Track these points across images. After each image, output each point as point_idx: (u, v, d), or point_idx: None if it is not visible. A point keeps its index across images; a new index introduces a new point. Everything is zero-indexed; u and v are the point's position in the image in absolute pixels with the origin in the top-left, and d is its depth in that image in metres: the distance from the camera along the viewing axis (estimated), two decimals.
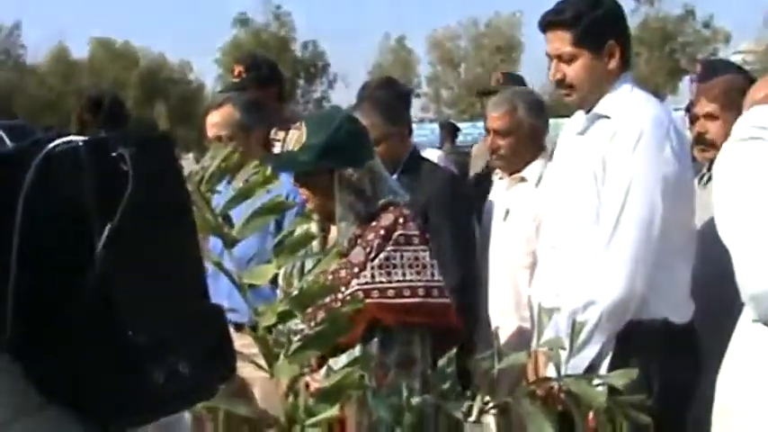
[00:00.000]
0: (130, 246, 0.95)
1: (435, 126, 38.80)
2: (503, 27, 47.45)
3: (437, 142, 19.68)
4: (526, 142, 4.52)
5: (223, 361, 1.05)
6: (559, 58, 3.63)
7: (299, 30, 50.00)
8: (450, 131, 14.67)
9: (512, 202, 4.52)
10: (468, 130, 36.87)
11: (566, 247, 3.66)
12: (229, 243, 2.38)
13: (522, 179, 4.52)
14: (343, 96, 52.15)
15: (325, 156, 3.45)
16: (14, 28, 46.97)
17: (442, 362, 2.68)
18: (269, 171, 2.47)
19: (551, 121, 4.90)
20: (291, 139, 3.61)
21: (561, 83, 3.67)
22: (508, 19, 47.33)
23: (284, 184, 3.46)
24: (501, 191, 4.67)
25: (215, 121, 4.76)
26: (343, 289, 3.40)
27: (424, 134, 37.40)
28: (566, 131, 3.89)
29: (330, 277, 3.42)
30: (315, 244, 3.52)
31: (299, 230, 2.55)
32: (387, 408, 2.58)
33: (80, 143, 0.96)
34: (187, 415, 1.77)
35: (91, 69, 48.92)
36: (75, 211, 0.95)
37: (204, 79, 58.48)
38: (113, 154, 0.95)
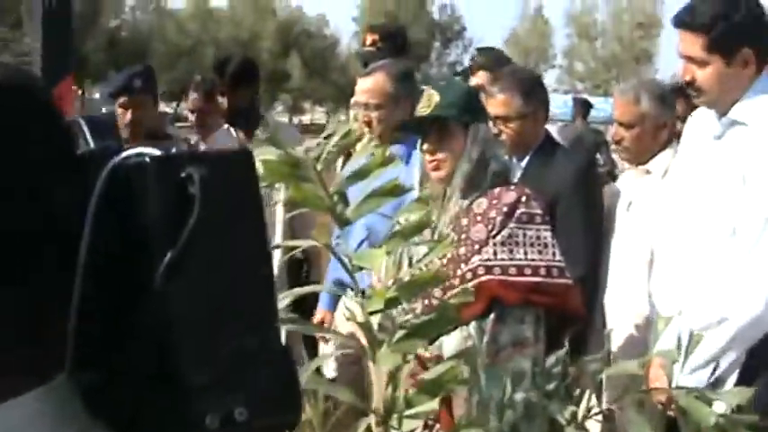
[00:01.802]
0: (192, 277, 0.89)
1: (568, 98, 38.45)
2: (644, 3, 46.61)
3: (569, 114, 19.44)
4: (651, 134, 4.38)
5: (287, 408, 0.98)
6: (690, 59, 3.52)
7: None
8: (582, 107, 14.42)
9: (635, 194, 4.41)
10: (602, 106, 36.46)
11: (695, 256, 3.55)
12: (342, 223, 2.35)
13: (647, 171, 4.40)
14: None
15: (464, 109, 3.52)
16: None
17: (550, 361, 2.61)
18: (388, 152, 2.44)
19: None
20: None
21: (691, 84, 3.55)
22: None
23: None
24: (626, 182, 4.56)
25: (366, 88, 4.76)
26: (462, 266, 3.41)
27: (557, 106, 37.12)
28: (695, 130, 3.76)
29: (449, 256, 3.40)
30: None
31: (413, 216, 2.49)
32: (497, 386, 2.53)
33: (148, 159, 0.90)
34: None
35: (229, 18, 49.51)
36: (139, 235, 0.90)
37: (340, 35, 58.86)
38: (182, 174, 0.89)
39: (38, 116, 0.95)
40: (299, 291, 2.68)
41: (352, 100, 5.33)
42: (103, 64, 36.94)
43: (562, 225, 4.27)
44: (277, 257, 5.54)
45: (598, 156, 13.23)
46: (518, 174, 4.44)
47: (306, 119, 51.89)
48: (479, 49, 6.97)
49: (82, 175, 0.92)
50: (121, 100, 5.47)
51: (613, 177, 12.70)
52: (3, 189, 0.90)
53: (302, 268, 5.80)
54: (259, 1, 53.71)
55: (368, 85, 4.76)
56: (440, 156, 3.56)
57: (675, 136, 4.40)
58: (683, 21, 3.53)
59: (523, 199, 3.45)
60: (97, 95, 40.64)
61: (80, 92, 39.33)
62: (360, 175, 2.40)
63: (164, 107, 48.25)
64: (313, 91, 51.88)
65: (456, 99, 3.53)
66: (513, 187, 3.51)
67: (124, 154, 0.88)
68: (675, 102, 4.52)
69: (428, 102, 3.58)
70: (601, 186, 4.71)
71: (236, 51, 44.92)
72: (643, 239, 4.26)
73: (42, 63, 2.85)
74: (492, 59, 5.67)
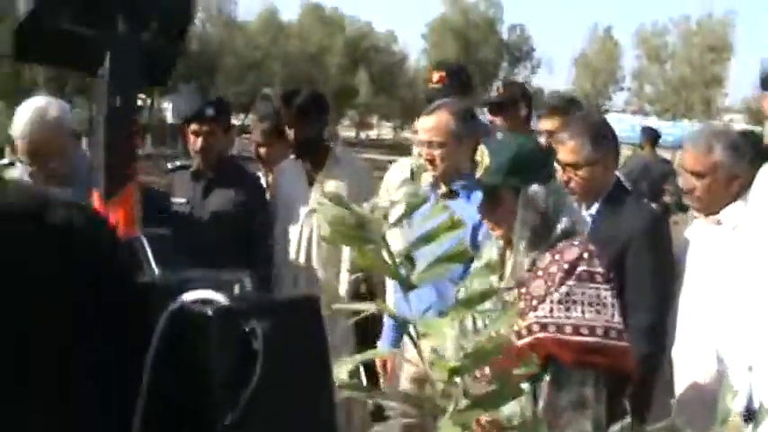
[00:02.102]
0: None
1: (636, 121, 38.15)
2: (715, 27, 46.13)
3: (636, 138, 19.21)
4: (723, 184, 4.27)
5: None
6: None
7: (507, 11, 50.10)
8: (650, 135, 14.25)
9: (706, 245, 4.32)
10: (670, 130, 36.14)
11: None
12: (407, 287, 2.31)
13: (718, 222, 4.30)
14: (546, 82, 51.76)
15: (511, 173, 3.47)
16: None
17: (613, 429, 2.55)
18: (456, 217, 2.40)
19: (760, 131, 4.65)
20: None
21: None
22: (722, 19, 46.02)
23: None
24: (696, 231, 4.47)
25: (429, 126, 4.79)
26: (519, 321, 3.34)
27: (624, 129, 36.85)
28: None
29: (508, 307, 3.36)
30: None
31: (479, 283, 2.47)
32: None
33: (210, 312, 0.86)
34: None
35: (298, 33, 49.72)
36: (200, 387, 0.87)
37: (408, 51, 58.97)
38: (246, 329, 0.86)
39: (101, 262, 0.94)
40: (360, 357, 2.65)
41: (416, 137, 5.36)
42: (173, 75, 37.24)
43: (632, 273, 4.24)
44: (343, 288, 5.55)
45: (667, 186, 13.12)
46: (587, 221, 4.39)
47: (373, 134, 52.07)
48: (553, 95, 6.98)
49: (141, 309, 0.90)
50: (193, 126, 5.51)
51: (681, 207, 12.64)
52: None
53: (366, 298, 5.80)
54: (328, 16, 53.96)
55: (431, 124, 4.79)
56: (492, 219, 3.58)
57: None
58: None
59: (585, 256, 3.37)
60: (166, 105, 41.09)
61: (149, 102, 39.80)
62: (427, 239, 2.36)
63: (232, 119, 48.82)
64: (380, 106, 51.98)
65: (504, 163, 3.49)
66: (576, 243, 3.42)
67: (187, 297, 0.85)
68: (748, 152, 4.39)
69: (481, 160, 3.58)
70: (670, 235, 4.61)
71: (304, 67, 45.21)
72: (713, 291, 4.17)
73: (105, 170, 2.82)
74: (565, 103, 5.64)
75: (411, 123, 55.26)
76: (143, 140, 37.13)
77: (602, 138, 4.51)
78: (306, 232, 5.57)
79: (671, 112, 45.60)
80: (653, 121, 41.00)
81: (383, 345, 4.88)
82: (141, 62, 2.97)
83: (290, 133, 5.58)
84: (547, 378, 3.29)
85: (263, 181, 6.10)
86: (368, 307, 2.54)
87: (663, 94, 46.42)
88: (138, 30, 2.93)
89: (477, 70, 46.14)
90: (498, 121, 6.22)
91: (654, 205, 12.44)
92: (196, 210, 5.49)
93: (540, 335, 3.31)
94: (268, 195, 5.82)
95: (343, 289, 5.51)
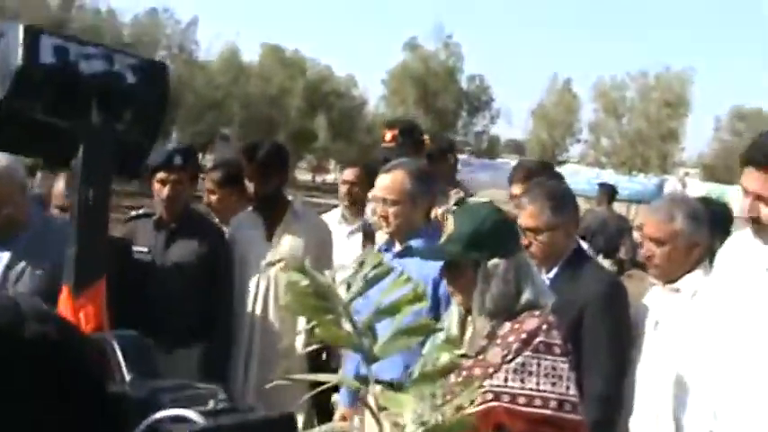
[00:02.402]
0: None
1: (592, 174, 38.46)
2: (673, 82, 46.58)
3: (591, 192, 19.39)
4: (683, 252, 4.29)
5: None
6: (759, 198, 3.47)
7: (467, 61, 50.16)
8: (607, 192, 14.42)
9: (663, 313, 4.34)
10: (626, 184, 36.46)
11: (743, 389, 3.50)
12: (370, 360, 2.30)
13: (677, 290, 4.32)
14: (504, 132, 52.20)
15: (471, 247, 3.46)
16: (192, 23, 47.93)
17: None
18: (419, 288, 2.39)
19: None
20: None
21: (755, 221, 3.51)
22: (679, 74, 46.45)
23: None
24: (654, 298, 4.48)
25: (385, 185, 4.84)
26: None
27: (579, 182, 37.12)
28: (741, 257, 3.72)
29: (464, 373, 3.36)
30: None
31: (443, 357, 2.44)
32: None
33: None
34: None
35: (259, 74, 49.77)
36: None
37: (368, 96, 59.10)
38: None
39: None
40: (318, 389, 2.63)
41: (371, 194, 5.39)
42: None
43: (588, 338, 4.28)
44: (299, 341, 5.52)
45: (623, 242, 13.24)
46: (551, 294, 4.41)
47: (330, 178, 52.04)
48: (520, 162, 7.07)
49: (113, 424, 0.87)
50: (160, 175, 5.44)
51: (636, 264, 12.73)
52: None
53: (320, 355, 5.79)
54: (289, 58, 54.07)
55: (386, 182, 4.84)
56: (453, 286, 3.61)
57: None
58: (755, 159, 3.49)
59: (544, 327, 3.37)
60: None
61: None
62: (388, 311, 2.35)
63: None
64: (337, 151, 52.07)
65: (466, 235, 3.49)
66: (537, 314, 3.42)
67: (161, 415, 0.83)
68: (707, 220, 4.43)
69: (446, 227, 3.62)
70: (627, 301, 4.62)
71: (264, 109, 45.20)
72: (671, 360, 4.18)
73: (75, 263, 2.78)
74: (538, 168, 5.70)
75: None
76: None
77: (563, 204, 4.57)
78: (263, 285, 5.55)
79: (627, 165, 45.97)
80: (610, 174, 41.33)
81: (341, 401, 4.84)
82: (115, 154, 2.94)
83: (250, 186, 5.56)
84: None
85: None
86: (327, 378, 2.52)
87: (619, 148, 46.78)
88: (112, 121, 2.89)
89: (436, 119, 46.45)
90: None
91: (609, 261, 12.62)
92: (157, 259, 5.43)
93: (493, 404, 3.30)
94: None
95: (299, 342, 5.49)
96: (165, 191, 5.44)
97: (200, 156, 45.75)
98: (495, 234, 3.49)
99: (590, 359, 4.21)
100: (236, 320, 5.58)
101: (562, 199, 4.61)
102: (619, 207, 17.63)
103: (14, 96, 2.83)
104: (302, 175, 46.42)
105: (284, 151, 5.84)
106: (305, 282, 2.31)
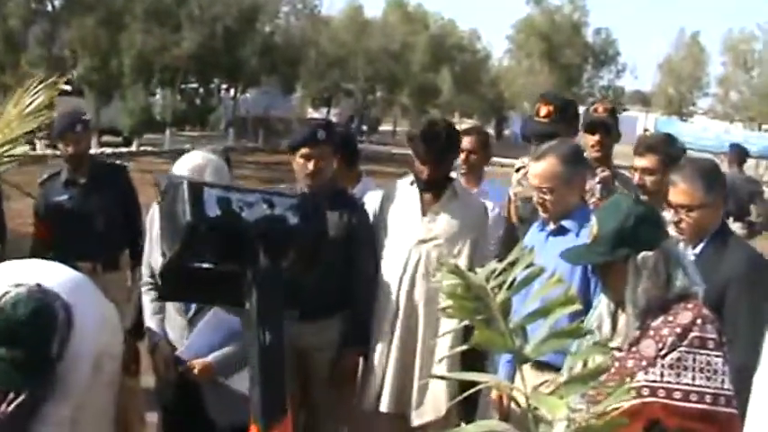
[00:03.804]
0: None
1: (720, 130, 37.75)
2: None
3: (720, 148, 18.93)
4: None
5: None
6: None
7: (593, 15, 49.50)
8: (737, 155, 14.01)
9: None
10: (756, 140, 35.75)
11: None
12: (521, 361, 2.37)
13: None
14: (630, 86, 51.36)
15: (618, 245, 3.50)
16: None
17: None
18: (571, 290, 2.44)
19: None
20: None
21: None
22: None
23: None
24: None
25: (538, 172, 4.92)
26: (627, 379, 3.37)
27: (708, 138, 36.52)
28: None
29: (617, 365, 3.40)
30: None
31: (592, 359, 2.51)
32: None
33: None
34: None
35: (382, 29, 49.69)
36: None
37: (491, 50, 58.76)
38: None
39: None
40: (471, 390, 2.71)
41: (525, 180, 5.51)
42: (257, 69, 37.48)
43: (729, 313, 4.32)
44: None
45: (752, 207, 13.00)
46: (700, 282, 4.45)
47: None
48: (642, 136, 6.95)
49: None
50: (304, 151, 5.54)
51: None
52: None
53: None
54: (412, 13, 53.91)
55: (539, 170, 4.91)
56: (605, 284, 3.67)
57: None
58: None
59: (699, 321, 3.39)
60: (248, 97, 41.33)
61: (233, 95, 40.13)
62: (541, 313, 2.41)
63: (312, 113, 48.83)
64: (461, 105, 51.88)
65: (610, 234, 3.53)
66: (690, 306, 3.44)
67: None
68: None
69: (591, 228, 3.69)
70: None
71: (387, 64, 45.14)
72: None
73: (261, 406, 2.90)
74: (660, 143, 5.67)
75: (492, 119, 54.80)
76: (226, 133, 37.49)
77: (715, 182, 4.63)
78: (412, 262, 5.54)
79: (756, 120, 44.89)
80: (739, 130, 40.61)
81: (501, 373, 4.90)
82: (283, 294, 3.07)
83: (422, 169, 5.55)
84: None
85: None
86: (480, 378, 2.60)
87: (748, 101, 45.58)
88: (278, 263, 3.02)
89: (561, 73, 45.90)
90: None
91: (739, 224, 12.41)
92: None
93: (649, 399, 3.34)
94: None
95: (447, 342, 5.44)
96: (310, 165, 5.53)
97: (325, 111, 46.01)
98: (639, 229, 3.51)
99: (731, 332, 4.24)
100: (382, 294, 5.61)
101: (714, 176, 4.66)
102: (748, 163, 17.29)
103: (185, 251, 2.98)
104: None
105: (458, 135, 5.80)
106: (458, 283, 2.40)
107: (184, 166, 4.63)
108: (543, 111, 5.98)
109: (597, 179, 5.69)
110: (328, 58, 44.30)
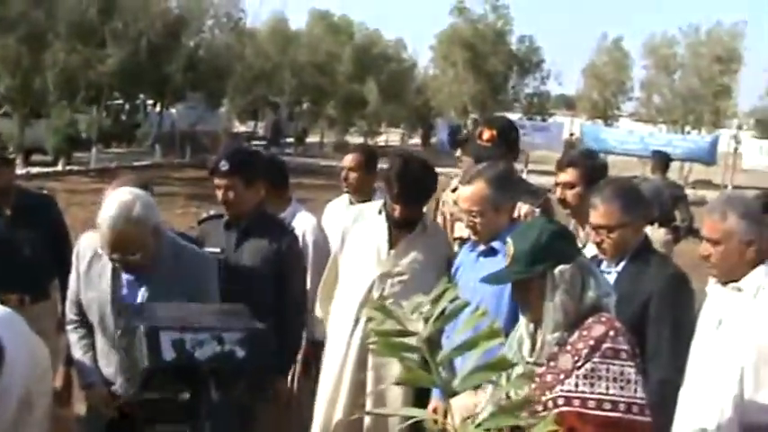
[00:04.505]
0: None
1: (644, 133, 38.23)
2: (723, 37, 45.87)
3: (642, 152, 19.20)
4: (737, 251, 4.34)
5: None
6: None
7: (516, 23, 49.54)
8: (661, 161, 14.23)
9: (726, 312, 4.41)
10: (679, 143, 36.24)
11: None
12: (450, 394, 2.42)
13: (739, 289, 4.39)
14: (555, 92, 51.88)
15: (533, 262, 3.67)
16: None
17: None
18: (495, 324, 2.50)
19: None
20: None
21: None
22: (730, 29, 45.74)
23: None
24: (715, 297, 4.56)
25: (467, 196, 5.04)
26: (547, 392, 3.52)
27: (633, 141, 36.94)
28: None
29: (537, 380, 3.52)
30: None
31: (517, 392, 2.57)
32: None
33: None
34: None
35: (307, 41, 49.60)
36: None
37: (417, 59, 58.78)
38: None
39: None
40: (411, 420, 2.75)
41: (453, 203, 5.78)
42: (183, 83, 37.23)
43: (653, 328, 4.50)
44: None
45: (676, 212, 13.23)
46: (613, 278, 4.59)
47: (381, 140, 51.95)
48: (566, 154, 7.17)
49: None
50: (215, 180, 5.64)
51: (692, 232, 12.71)
52: None
53: None
54: (336, 23, 53.88)
55: (468, 194, 5.03)
56: (523, 303, 3.82)
57: None
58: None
59: (611, 333, 3.55)
60: (174, 112, 41.05)
61: (158, 110, 39.80)
62: (466, 347, 2.47)
63: (239, 126, 48.58)
64: (388, 115, 51.96)
65: (525, 252, 3.69)
66: (603, 320, 3.60)
67: None
68: (764, 218, 4.48)
69: (507, 249, 3.84)
70: (692, 295, 4.76)
71: (313, 76, 45.15)
72: (734, 360, 4.27)
73: None
74: (582, 158, 5.79)
75: (419, 128, 54.86)
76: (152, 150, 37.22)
77: (634, 202, 4.81)
78: (375, 294, 5.47)
79: (679, 123, 45.46)
80: (663, 134, 41.10)
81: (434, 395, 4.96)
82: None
83: (395, 207, 5.47)
84: None
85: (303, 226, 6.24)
86: (414, 413, 2.65)
87: (671, 104, 46.11)
88: (228, 394, 3.32)
89: (485, 82, 46.12)
90: (465, 157, 6.77)
91: (664, 230, 12.61)
92: (230, 258, 5.56)
93: (565, 408, 3.48)
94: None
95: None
96: (220, 195, 5.62)
97: (252, 124, 45.76)
98: (553, 244, 3.68)
99: (654, 346, 4.46)
100: (339, 323, 5.63)
101: (632, 196, 4.84)
102: (673, 166, 17.54)
103: (142, 391, 3.32)
104: (354, 139, 46.34)
105: (435, 174, 5.62)
106: (386, 320, 2.45)
107: (112, 206, 4.62)
108: (486, 134, 6.09)
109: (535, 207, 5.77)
110: (254, 72, 44.14)
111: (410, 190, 5.41)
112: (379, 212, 5.64)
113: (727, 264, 4.37)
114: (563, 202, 5.61)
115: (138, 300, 4.68)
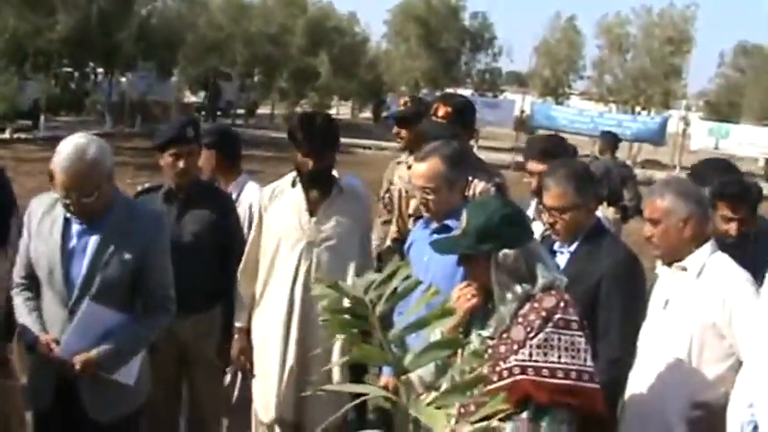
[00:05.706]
0: None
1: (594, 113, 38.41)
2: (675, 18, 46.16)
3: (592, 131, 19.25)
4: (676, 229, 4.45)
5: None
6: None
7: None
8: (610, 142, 14.36)
9: (672, 292, 4.48)
10: (629, 124, 36.49)
11: None
12: (400, 372, 2.42)
13: (683, 269, 4.46)
14: (507, 67, 51.91)
15: (482, 240, 3.74)
16: None
17: None
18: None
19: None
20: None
21: None
22: (682, 11, 46.05)
23: None
24: (663, 278, 4.63)
25: (421, 172, 5.01)
26: (501, 363, 3.65)
27: (584, 121, 37.09)
28: None
29: (490, 351, 3.66)
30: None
31: (469, 369, 2.59)
32: None
33: None
34: None
35: (261, 12, 49.29)
36: None
37: (369, 34, 58.64)
38: None
39: None
40: (358, 400, 2.75)
41: (408, 181, 5.74)
42: (134, 52, 36.87)
43: (603, 308, 4.55)
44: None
45: (625, 191, 13.33)
46: (566, 258, 4.64)
47: (332, 113, 51.79)
48: (532, 138, 7.17)
49: None
50: (173, 150, 5.60)
51: (640, 211, 12.81)
52: None
53: None
54: None
55: (422, 170, 5.00)
56: (469, 275, 3.95)
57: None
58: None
59: (562, 305, 3.66)
60: (124, 81, 40.65)
61: (109, 79, 39.43)
62: (418, 325, 2.47)
63: (190, 97, 48.18)
64: (340, 88, 51.80)
65: (476, 230, 3.76)
66: (553, 292, 3.70)
67: None
68: (701, 197, 4.60)
69: (461, 221, 3.93)
70: (643, 275, 4.80)
71: (265, 48, 44.86)
72: (680, 339, 4.35)
73: None
74: (553, 147, 5.81)
75: (370, 103, 54.72)
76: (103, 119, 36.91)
77: (586, 183, 4.83)
78: (304, 266, 5.46)
79: (630, 103, 45.73)
80: (613, 114, 41.31)
81: (385, 372, 5.10)
82: None
83: (304, 161, 5.41)
84: (524, 416, 3.60)
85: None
86: (365, 390, 2.65)
87: (623, 84, 46.34)
88: None
89: (438, 57, 46.14)
90: (403, 132, 6.71)
91: (612, 210, 12.73)
92: (171, 231, 5.47)
93: (519, 377, 3.60)
94: (256, 215, 5.81)
95: (337, 349, 5.39)
96: (181, 163, 5.60)
97: (202, 94, 45.32)
98: (503, 227, 3.74)
99: (604, 326, 4.50)
100: (274, 300, 5.55)
101: (584, 178, 4.85)
102: (623, 146, 17.62)
103: None
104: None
105: (337, 126, 5.63)
106: (337, 297, 2.44)
107: (67, 147, 4.55)
108: (441, 111, 6.01)
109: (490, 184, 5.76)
110: (206, 42, 43.80)
111: (316, 139, 5.36)
112: (293, 185, 5.58)
113: (668, 242, 4.47)
114: (535, 192, 5.56)
115: (89, 249, 4.63)
